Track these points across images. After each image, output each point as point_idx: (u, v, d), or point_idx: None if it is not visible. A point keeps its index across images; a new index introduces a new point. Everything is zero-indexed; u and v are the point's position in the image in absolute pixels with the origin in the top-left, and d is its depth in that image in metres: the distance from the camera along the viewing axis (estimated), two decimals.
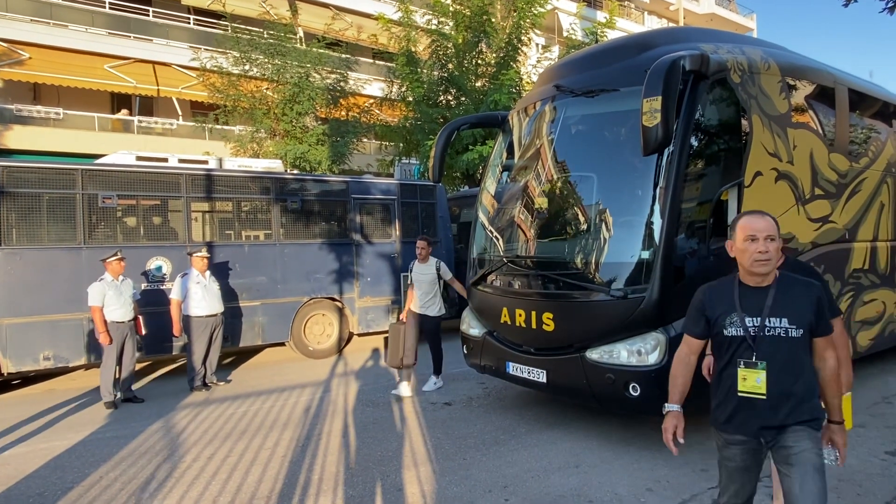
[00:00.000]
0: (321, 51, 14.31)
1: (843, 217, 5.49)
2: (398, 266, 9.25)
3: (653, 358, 4.08)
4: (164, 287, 7.24)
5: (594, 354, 4.36)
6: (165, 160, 8.13)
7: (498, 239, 5.43)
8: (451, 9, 13.90)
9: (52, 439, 5.08)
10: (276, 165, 9.04)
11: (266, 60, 13.45)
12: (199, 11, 18.90)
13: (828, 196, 5.30)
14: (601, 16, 18.71)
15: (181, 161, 8.16)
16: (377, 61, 18.90)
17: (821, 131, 5.40)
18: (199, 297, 6.59)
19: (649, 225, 4.13)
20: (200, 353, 6.64)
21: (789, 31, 71.23)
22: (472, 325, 5.61)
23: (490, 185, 5.77)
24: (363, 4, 20.47)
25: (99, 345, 6.09)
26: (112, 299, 6.03)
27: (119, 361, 6.10)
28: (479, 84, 13.76)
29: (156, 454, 4.64)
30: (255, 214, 8.39)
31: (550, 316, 4.55)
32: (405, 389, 6.03)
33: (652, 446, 4.45)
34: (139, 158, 7.95)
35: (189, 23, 19.17)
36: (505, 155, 5.72)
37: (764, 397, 2.25)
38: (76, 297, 6.44)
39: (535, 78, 13.30)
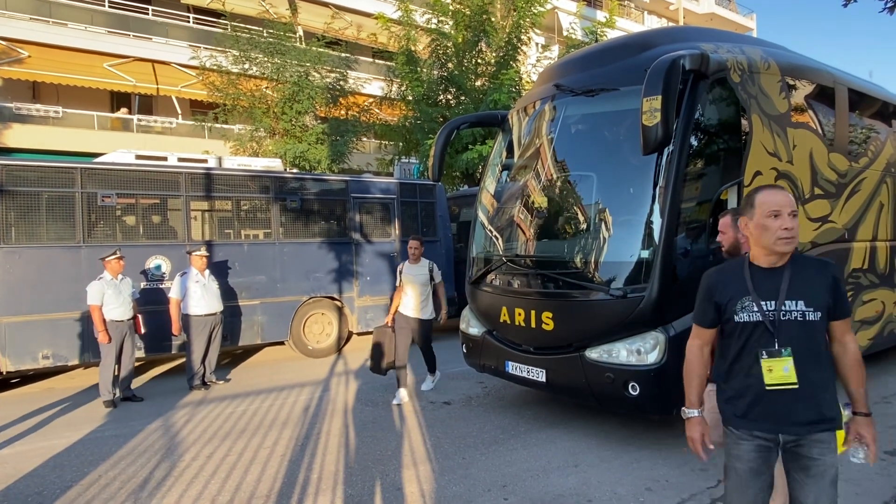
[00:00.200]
0: (321, 50, 14.30)
1: (842, 217, 5.50)
2: (397, 265, 9.22)
3: (652, 357, 4.08)
4: (163, 286, 7.24)
5: (593, 354, 4.36)
6: (165, 159, 8.13)
7: (497, 238, 5.43)
8: (450, 8, 13.91)
9: (51, 438, 5.07)
10: (275, 164, 9.03)
11: (265, 59, 13.45)
12: (198, 10, 18.91)
13: (827, 196, 5.31)
14: (601, 15, 18.73)
15: (180, 160, 8.16)
16: (377, 60, 18.90)
17: (820, 131, 5.40)
18: (199, 296, 6.59)
19: (649, 224, 4.13)
20: (199, 352, 6.65)
21: (789, 31, 71.31)
22: (471, 325, 5.61)
23: (490, 185, 5.76)
24: (363, 3, 20.47)
25: (98, 343, 6.09)
26: (111, 298, 6.02)
27: (118, 360, 6.10)
28: (478, 83, 13.76)
29: (155, 453, 4.64)
30: (254, 213, 8.38)
31: (550, 315, 4.56)
32: (404, 395, 5.92)
33: (651, 445, 4.45)
34: (138, 157, 7.93)
35: (188, 21, 19.17)
36: (504, 154, 5.71)
37: (796, 386, 2.06)
38: (75, 295, 6.43)
39: (534, 77, 13.32)
